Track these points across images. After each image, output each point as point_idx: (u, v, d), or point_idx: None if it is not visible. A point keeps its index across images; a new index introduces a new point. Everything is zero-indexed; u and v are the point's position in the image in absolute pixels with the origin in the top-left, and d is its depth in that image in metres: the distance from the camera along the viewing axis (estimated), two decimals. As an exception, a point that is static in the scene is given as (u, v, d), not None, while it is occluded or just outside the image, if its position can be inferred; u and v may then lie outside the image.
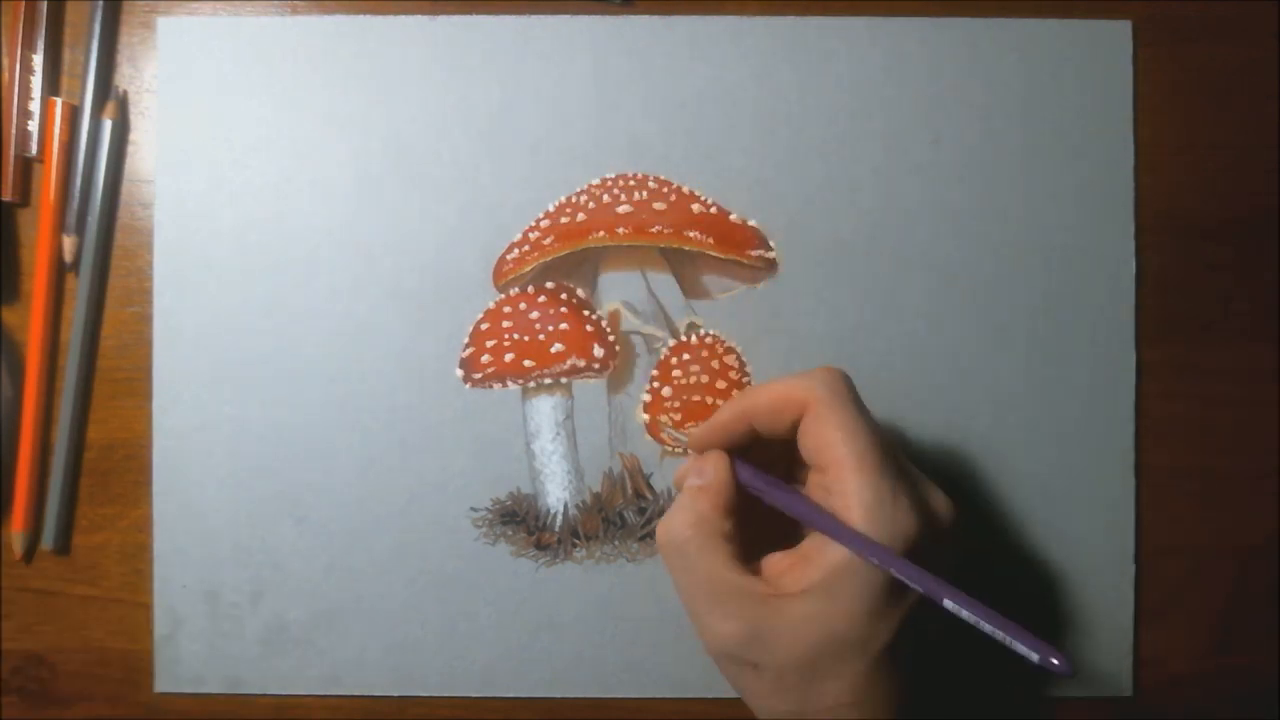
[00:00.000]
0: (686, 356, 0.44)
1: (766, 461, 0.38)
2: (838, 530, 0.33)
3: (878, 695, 0.34)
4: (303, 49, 0.44)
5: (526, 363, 0.43)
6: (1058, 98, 0.44)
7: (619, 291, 0.44)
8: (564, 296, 0.44)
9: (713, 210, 0.43)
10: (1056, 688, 0.44)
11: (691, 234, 0.43)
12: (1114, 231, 0.44)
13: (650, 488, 0.44)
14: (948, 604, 0.32)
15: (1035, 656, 0.31)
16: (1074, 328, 0.44)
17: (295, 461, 0.43)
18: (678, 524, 0.36)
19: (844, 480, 0.34)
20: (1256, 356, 0.44)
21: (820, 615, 0.33)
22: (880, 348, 0.44)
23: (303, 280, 0.44)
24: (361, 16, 0.44)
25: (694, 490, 0.36)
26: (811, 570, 0.34)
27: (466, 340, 0.43)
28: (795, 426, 0.36)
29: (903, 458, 0.36)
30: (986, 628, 0.32)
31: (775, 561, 0.36)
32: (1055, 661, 0.31)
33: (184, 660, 0.43)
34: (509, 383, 0.43)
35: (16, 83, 0.43)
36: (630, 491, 0.44)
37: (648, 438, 0.44)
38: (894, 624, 0.33)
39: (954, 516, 0.36)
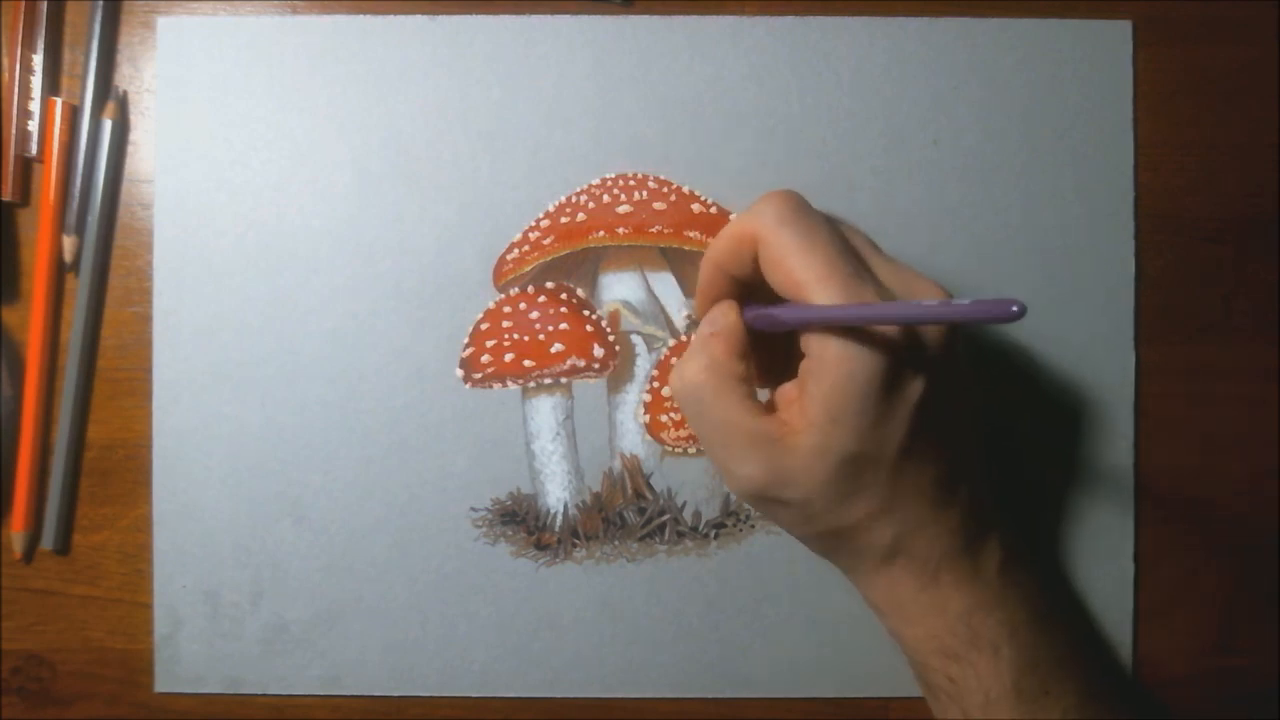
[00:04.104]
0: (686, 356, 0.44)
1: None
2: (818, 313, 0.33)
3: (907, 496, 0.35)
4: (303, 49, 0.44)
5: (526, 363, 0.43)
6: (1058, 98, 0.44)
7: (619, 291, 0.44)
8: (564, 296, 0.44)
9: (713, 210, 0.43)
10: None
11: (691, 234, 0.43)
12: (1114, 231, 0.44)
13: (650, 488, 0.44)
14: (925, 306, 0.30)
15: (985, 315, 0.28)
16: (1074, 328, 0.44)
17: (295, 461, 0.43)
18: (692, 370, 0.36)
19: (813, 300, 0.33)
20: (1256, 356, 0.44)
21: (829, 444, 0.33)
22: (880, 348, 0.43)
23: (303, 280, 0.44)
24: (361, 16, 0.44)
25: (706, 337, 0.36)
26: (811, 403, 0.33)
27: (466, 340, 0.43)
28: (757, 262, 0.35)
29: (877, 256, 0.35)
30: (933, 314, 0.30)
31: (786, 391, 0.36)
32: (1014, 309, 0.27)
33: (184, 660, 0.43)
34: (509, 383, 0.43)
35: (16, 83, 0.43)
36: (630, 491, 0.44)
37: (648, 438, 0.44)
38: (903, 426, 0.33)
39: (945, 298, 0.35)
